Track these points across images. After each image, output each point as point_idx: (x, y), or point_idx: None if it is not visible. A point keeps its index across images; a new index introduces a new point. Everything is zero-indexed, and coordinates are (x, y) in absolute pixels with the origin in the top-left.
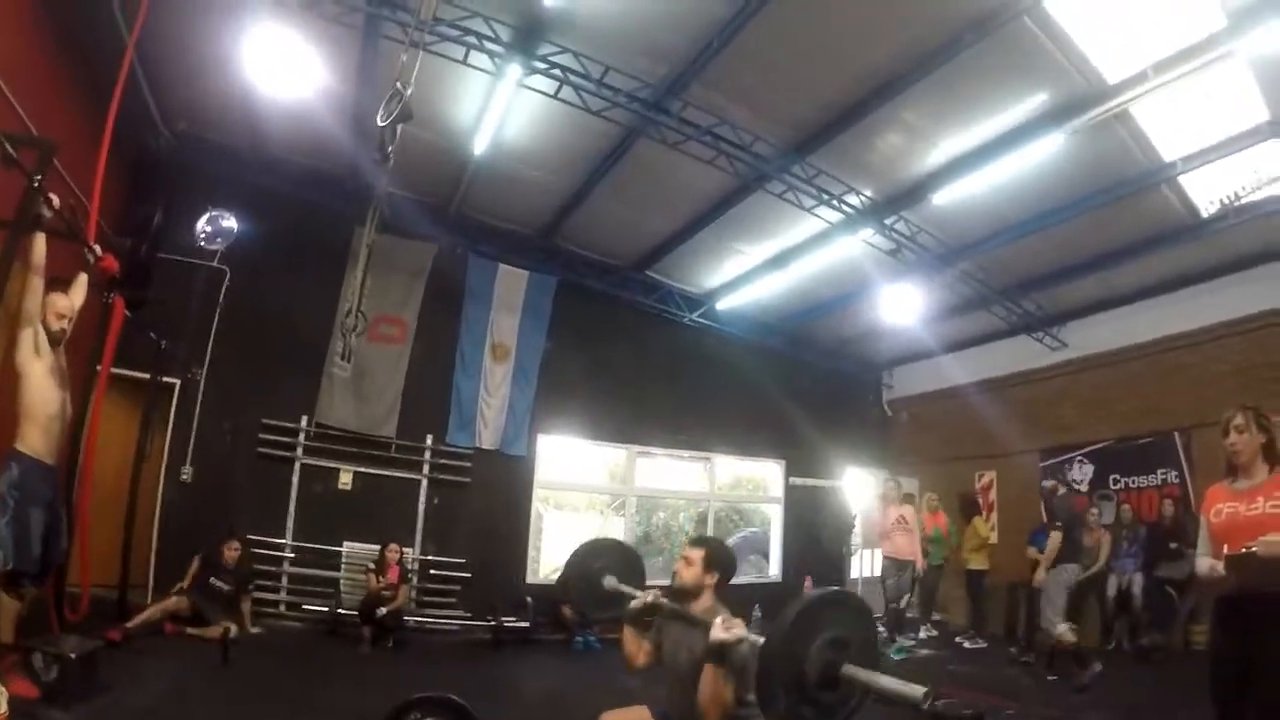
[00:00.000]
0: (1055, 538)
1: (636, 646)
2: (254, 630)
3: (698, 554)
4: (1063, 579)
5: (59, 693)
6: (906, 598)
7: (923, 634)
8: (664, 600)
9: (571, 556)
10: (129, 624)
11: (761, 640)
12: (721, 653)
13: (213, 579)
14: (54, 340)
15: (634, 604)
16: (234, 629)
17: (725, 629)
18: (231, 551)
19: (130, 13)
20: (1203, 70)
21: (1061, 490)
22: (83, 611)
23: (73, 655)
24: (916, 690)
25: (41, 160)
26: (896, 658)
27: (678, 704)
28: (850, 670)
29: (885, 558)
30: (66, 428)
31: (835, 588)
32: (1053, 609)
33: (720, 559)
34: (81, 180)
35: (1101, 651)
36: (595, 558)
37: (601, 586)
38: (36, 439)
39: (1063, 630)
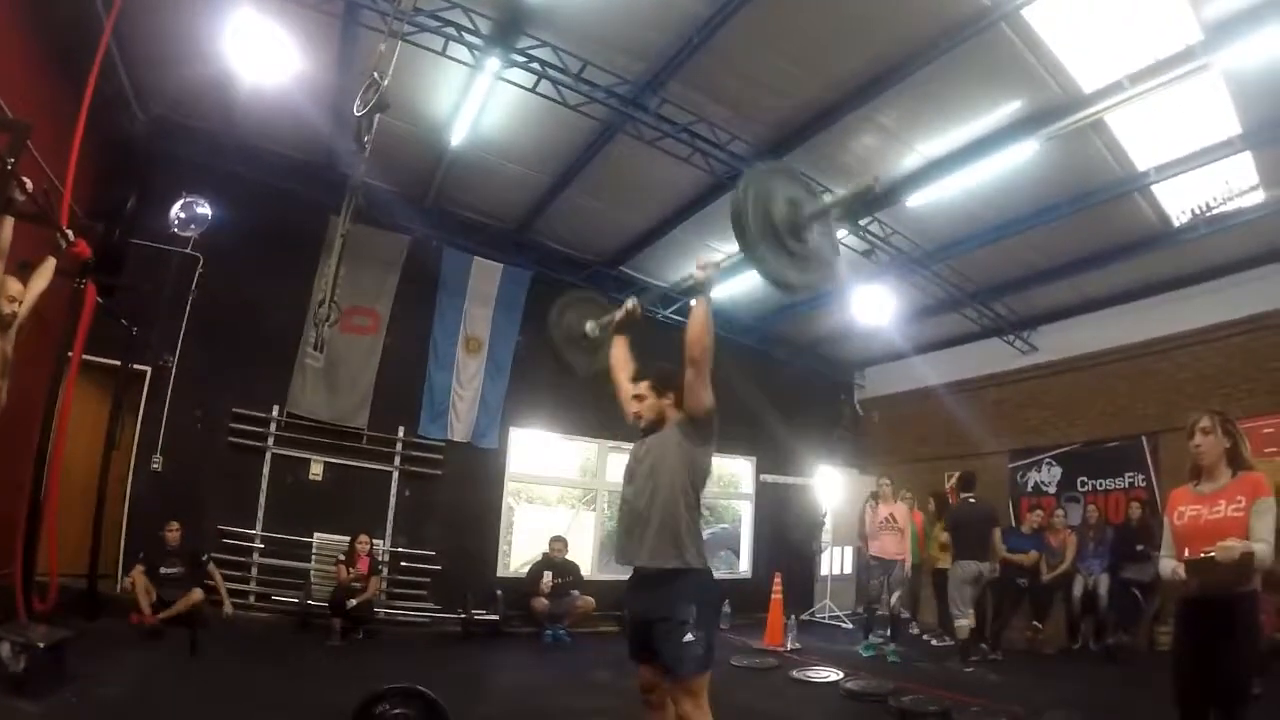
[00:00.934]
0: (942, 536)
1: (623, 352)
2: (228, 611)
3: (644, 385)
4: (959, 575)
5: (27, 683)
6: (897, 595)
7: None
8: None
9: (549, 324)
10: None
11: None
12: (704, 286)
13: (161, 569)
14: (2, 324)
15: (618, 315)
16: (200, 595)
17: (700, 265)
18: (172, 533)
19: None
20: (1178, 82)
21: (964, 496)
22: (51, 600)
23: (41, 645)
24: (865, 180)
25: (15, 143)
26: (865, 654)
27: (641, 508)
28: (811, 205)
29: (872, 557)
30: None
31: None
32: (956, 602)
33: (664, 376)
34: (55, 162)
35: (1067, 651)
36: (566, 313)
37: (584, 333)
38: None
39: (962, 624)
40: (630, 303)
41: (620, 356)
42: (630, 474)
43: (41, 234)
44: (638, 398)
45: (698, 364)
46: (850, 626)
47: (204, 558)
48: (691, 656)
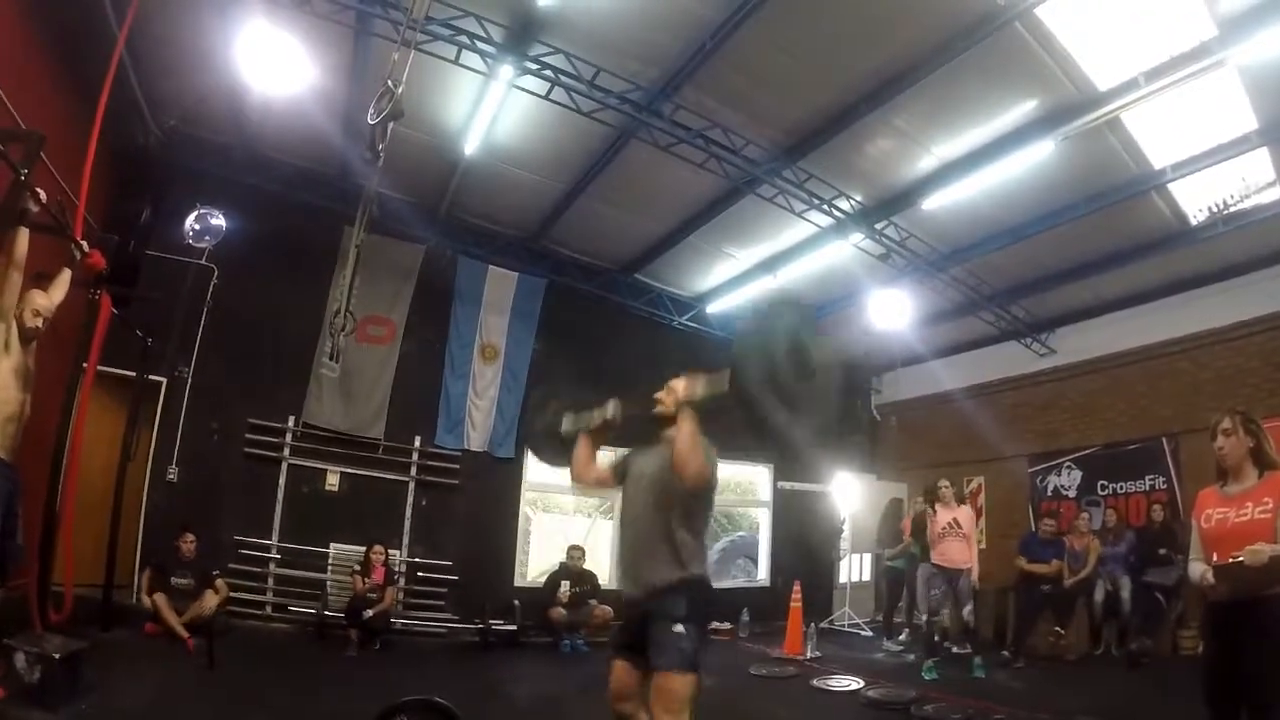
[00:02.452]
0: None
1: (588, 455)
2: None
3: (682, 380)
4: (920, 575)
5: (43, 693)
6: (968, 608)
7: (904, 636)
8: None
9: (528, 415)
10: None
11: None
12: (694, 403)
13: (173, 579)
14: (26, 338)
15: (596, 418)
16: (214, 603)
17: (689, 386)
18: (187, 544)
19: (121, 7)
20: (1193, 78)
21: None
22: (66, 611)
23: (56, 656)
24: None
25: (29, 154)
26: (928, 678)
27: (643, 529)
28: (821, 348)
29: (934, 565)
30: (22, 429)
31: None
32: (921, 600)
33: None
34: (69, 175)
35: (1090, 656)
36: (547, 407)
37: (559, 432)
38: None
39: (925, 619)
40: (611, 409)
41: (583, 459)
42: (630, 495)
43: (56, 245)
44: (669, 388)
45: (692, 482)
46: (870, 634)
47: (215, 573)
48: (677, 648)
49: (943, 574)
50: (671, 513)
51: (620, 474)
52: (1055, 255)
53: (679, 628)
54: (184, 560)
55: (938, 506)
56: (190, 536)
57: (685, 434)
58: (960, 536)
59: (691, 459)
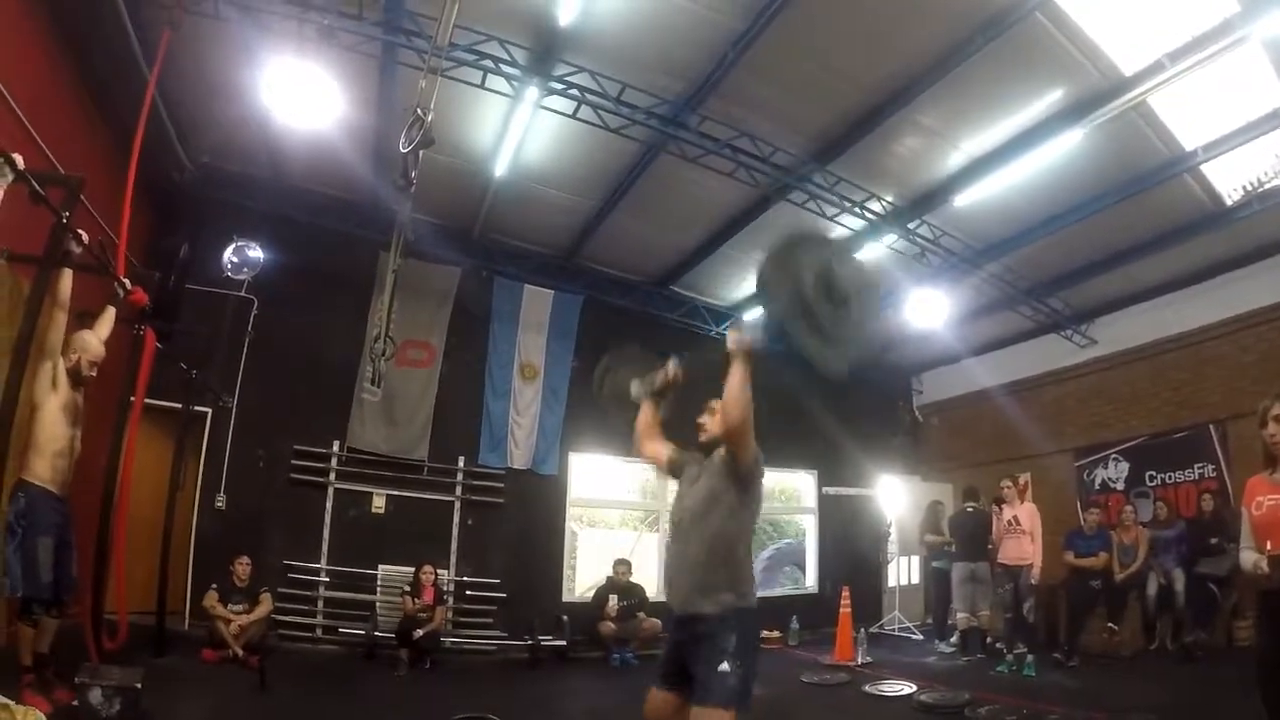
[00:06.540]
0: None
1: (651, 418)
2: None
3: (719, 402)
4: (956, 575)
5: None
6: (1028, 604)
7: (955, 638)
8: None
9: (594, 388)
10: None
11: None
12: (744, 354)
13: (229, 605)
14: (77, 381)
15: (656, 380)
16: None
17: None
18: (242, 566)
19: (150, 48)
20: (1218, 56)
21: (965, 505)
22: (121, 639)
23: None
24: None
25: (69, 197)
26: (998, 668)
27: (693, 544)
28: (846, 270)
29: (998, 564)
30: (73, 464)
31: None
32: (957, 599)
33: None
34: (108, 215)
35: (1145, 652)
36: (610, 375)
37: (629, 394)
38: (43, 470)
39: (961, 617)
40: (670, 367)
41: (646, 423)
42: (680, 508)
43: (99, 283)
44: (710, 411)
45: (733, 433)
46: (920, 637)
47: (262, 589)
48: (723, 686)
49: (1006, 572)
50: (722, 525)
51: (675, 469)
52: (1090, 245)
53: (725, 665)
54: (238, 585)
55: (1003, 506)
56: (245, 559)
57: (734, 381)
58: (1018, 534)
59: (734, 406)
